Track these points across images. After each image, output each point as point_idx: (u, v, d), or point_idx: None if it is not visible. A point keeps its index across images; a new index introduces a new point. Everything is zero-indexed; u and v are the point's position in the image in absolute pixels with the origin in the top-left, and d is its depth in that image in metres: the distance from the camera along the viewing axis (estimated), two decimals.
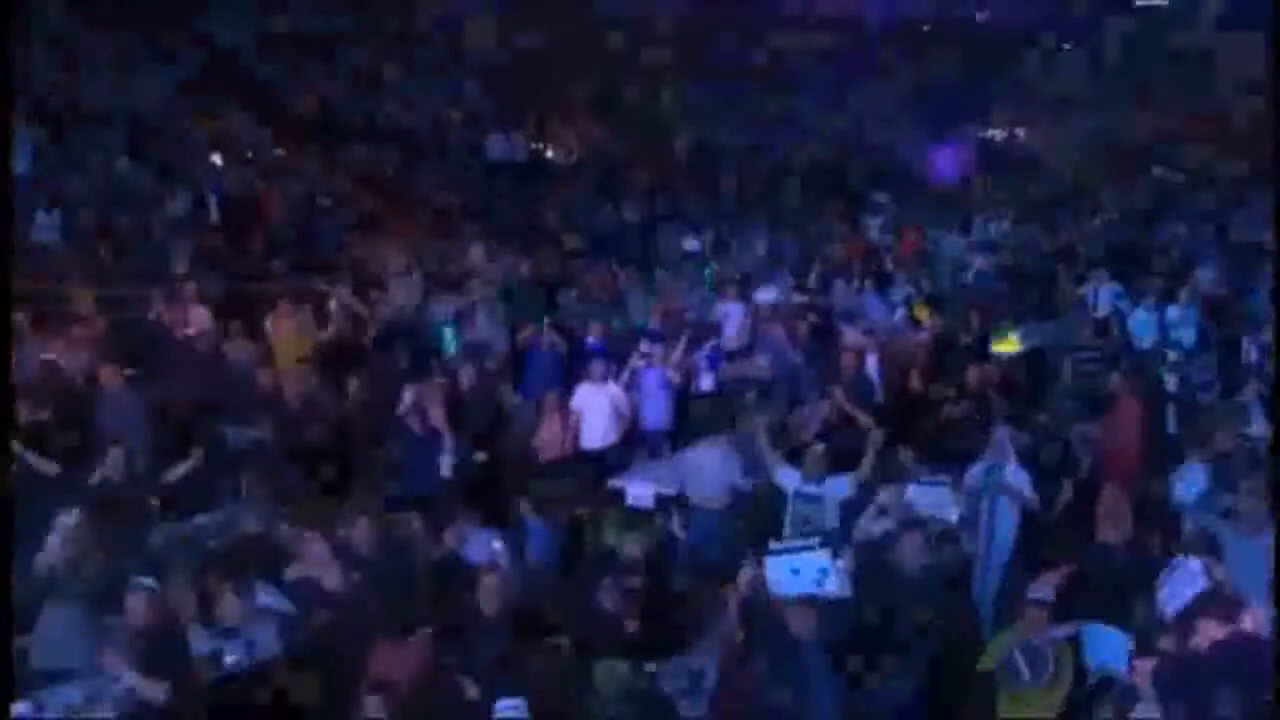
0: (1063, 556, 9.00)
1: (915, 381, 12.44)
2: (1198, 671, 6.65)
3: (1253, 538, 8.92)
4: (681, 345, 13.24)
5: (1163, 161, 22.94)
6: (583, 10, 22.90)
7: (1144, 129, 23.77)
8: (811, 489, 10.43)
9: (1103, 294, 15.31)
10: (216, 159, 17.01)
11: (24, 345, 11.91)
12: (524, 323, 14.18)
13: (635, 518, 9.78)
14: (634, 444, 12.67)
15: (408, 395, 11.82)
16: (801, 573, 8.03)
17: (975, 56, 24.99)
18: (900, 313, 14.77)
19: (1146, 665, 7.23)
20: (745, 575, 8.23)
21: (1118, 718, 7.49)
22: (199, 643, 8.69)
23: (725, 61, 24.14)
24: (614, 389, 12.71)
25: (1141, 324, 14.22)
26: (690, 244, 18.74)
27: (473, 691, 8.02)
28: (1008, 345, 13.78)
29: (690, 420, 12.79)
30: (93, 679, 8.39)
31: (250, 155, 17.43)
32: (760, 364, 12.99)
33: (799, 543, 8.24)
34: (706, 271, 16.65)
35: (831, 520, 10.01)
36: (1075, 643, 8.10)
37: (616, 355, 13.36)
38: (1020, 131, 26.67)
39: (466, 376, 12.71)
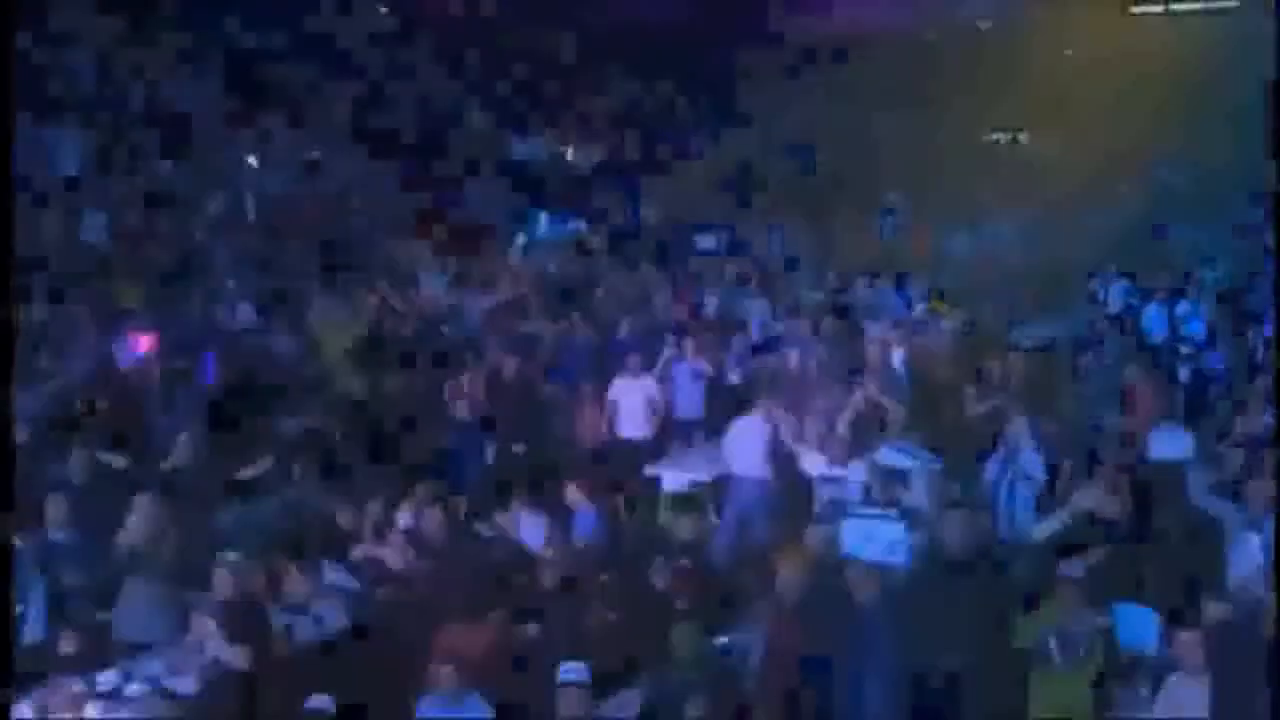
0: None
1: (942, 375, 12.91)
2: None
3: (1254, 524, 9.22)
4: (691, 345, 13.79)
5: (1166, 162, 23.44)
6: (594, 15, 23.33)
7: (1148, 131, 24.20)
8: (837, 472, 11.07)
9: (1114, 290, 15.82)
10: (253, 160, 17.49)
11: (83, 339, 12.47)
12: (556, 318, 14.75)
13: (685, 500, 10.21)
14: (667, 434, 13.17)
15: (453, 385, 12.34)
16: (875, 539, 8.49)
17: (980, 61, 25.45)
18: (920, 308, 15.24)
19: (1188, 636, 7.67)
20: (815, 533, 8.71)
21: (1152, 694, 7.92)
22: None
23: (732, 64, 24.61)
24: (649, 381, 13.21)
25: (1153, 319, 14.72)
26: (706, 243, 19.21)
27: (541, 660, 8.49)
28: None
29: (720, 411, 13.23)
30: (173, 650, 8.90)
31: (285, 158, 17.89)
32: (788, 357, 13.46)
33: (877, 511, 8.72)
34: (728, 271, 17.14)
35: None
36: (1108, 625, 8.43)
37: (646, 350, 13.91)
38: (1023, 135, 27.12)
39: (508, 368, 13.19)
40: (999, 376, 12.71)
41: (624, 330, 14.39)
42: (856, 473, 10.72)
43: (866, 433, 11.14)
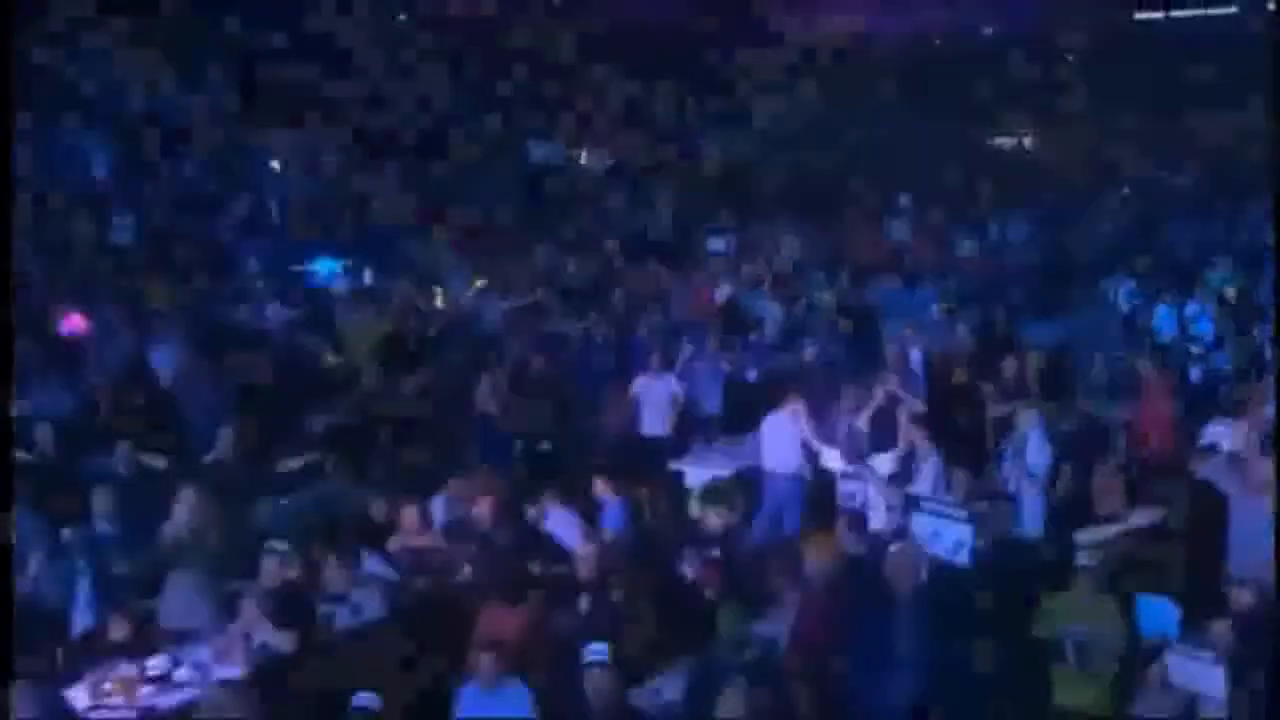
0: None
1: (959, 374, 13.15)
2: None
3: (1256, 498, 9.52)
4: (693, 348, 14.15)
5: (1167, 165, 23.73)
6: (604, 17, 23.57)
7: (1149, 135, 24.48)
8: (856, 468, 11.35)
9: (1122, 291, 16.09)
10: (275, 164, 17.77)
11: (117, 339, 12.78)
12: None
13: (715, 493, 10.47)
14: (688, 430, 13.43)
15: (485, 382, 12.62)
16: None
17: (983, 66, 25.76)
18: (934, 308, 15.48)
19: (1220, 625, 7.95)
20: (844, 523, 9.05)
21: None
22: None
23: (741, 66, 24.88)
24: (671, 379, 13.47)
25: (1163, 319, 14.98)
26: (716, 244, 19.46)
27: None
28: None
29: (738, 408, 13.56)
30: (219, 636, 9.14)
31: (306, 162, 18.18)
32: (805, 355, 13.74)
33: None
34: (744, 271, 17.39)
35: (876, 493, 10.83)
36: (1129, 620, 8.68)
37: (664, 348, 14.19)
38: (1027, 139, 27.41)
39: (534, 366, 13.51)
40: (1015, 375, 13.10)
41: (643, 329, 14.69)
42: (884, 465, 11.02)
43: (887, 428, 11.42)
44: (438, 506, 10.68)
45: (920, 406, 11.75)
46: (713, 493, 10.33)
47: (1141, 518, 9.54)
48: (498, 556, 9.62)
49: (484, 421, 12.55)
